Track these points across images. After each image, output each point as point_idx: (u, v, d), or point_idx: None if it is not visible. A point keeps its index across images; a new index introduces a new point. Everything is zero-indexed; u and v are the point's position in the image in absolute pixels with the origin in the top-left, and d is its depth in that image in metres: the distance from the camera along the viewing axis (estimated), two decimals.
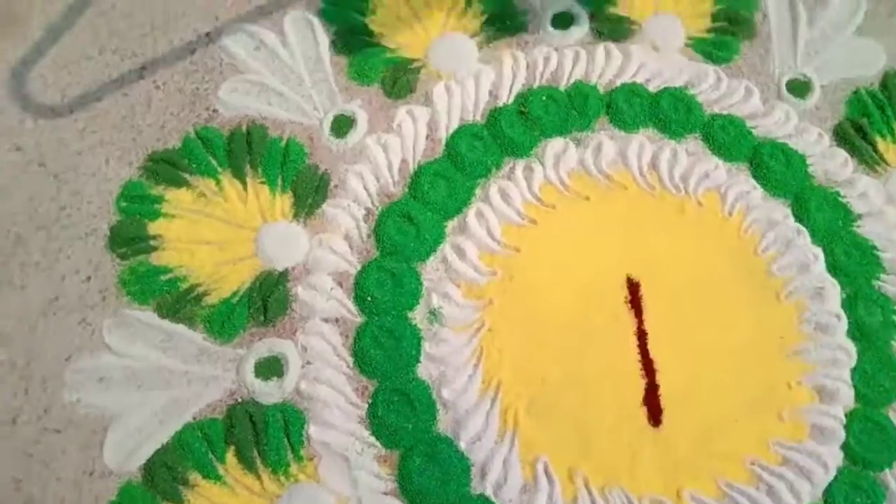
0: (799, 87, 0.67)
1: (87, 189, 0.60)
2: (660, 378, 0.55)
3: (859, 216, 0.61)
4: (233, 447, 0.52)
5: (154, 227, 0.59)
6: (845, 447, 0.53)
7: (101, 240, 0.58)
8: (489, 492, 0.51)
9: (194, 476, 0.51)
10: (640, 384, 0.55)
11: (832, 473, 0.52)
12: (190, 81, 0.64)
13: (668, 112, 0.64)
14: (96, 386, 0.54)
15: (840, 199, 0.61)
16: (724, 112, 0.65)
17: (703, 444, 0.53)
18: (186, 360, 0.54)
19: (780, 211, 0.61)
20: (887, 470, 0.53)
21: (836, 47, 0.68)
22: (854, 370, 0.55)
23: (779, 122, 0.64)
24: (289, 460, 0.52)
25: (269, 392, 0.54)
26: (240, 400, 0.53)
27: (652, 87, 0.65)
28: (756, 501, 0.52)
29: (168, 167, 0.60)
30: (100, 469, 0.52)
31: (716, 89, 0.66)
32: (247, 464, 0.52)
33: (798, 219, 0.60)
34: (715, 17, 0.70)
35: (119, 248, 0.58)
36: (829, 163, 0.63)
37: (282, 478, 0.51)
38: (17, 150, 0.61)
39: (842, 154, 0.64)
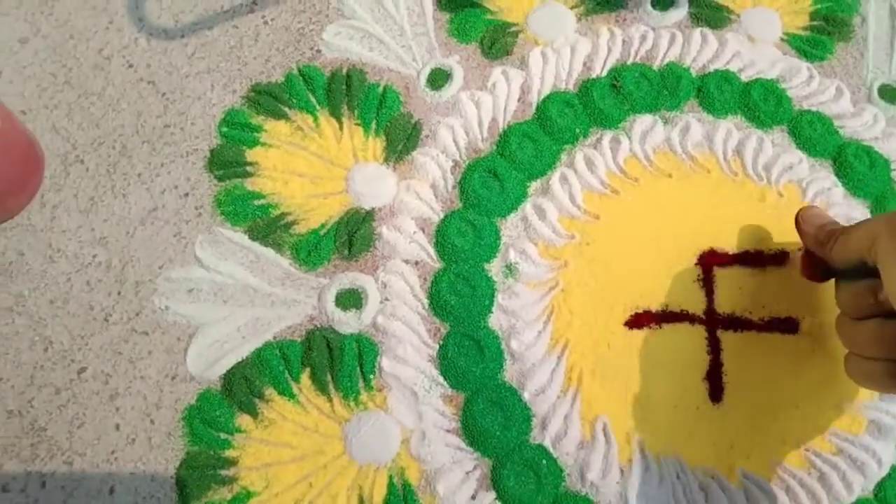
0: (890, 93, 0.67)
1: (192, 111, 0.62)
2: (724, 357, 0.56)
3: None
4: (308, 369, 0.54)
5: (252, 154, 0.61)
6: None
7: (201, 160, 0.61)
8: (548, 443, 0.53)
9: (270, 391, 0.54)
10: (705, 360, 0.56)
11: (885, 470, 0.53)
12: (297, 21, 0.67)
13: (758, 102, 0.64)
14: (185, 296, 0.56)
15: None
16: (814, 108, 0.65)
17: (761, 425, 0.54)
18: (272, 282, 0.57)
19: (860, 211, 0.61)
20: None
21: None
22: None
23: (866, 124, 0.65)
24: (360, 388, 0.54)
25: (347, 322, 0.56)
26: (319, 326, 0.56)
27: (744, 77, 0.66)
28: (807, 486, 0.53)
29: (269, 99, 0.63)
30: (182, 374, 0.54)
31: (807, 85, 0.66)
32: (320, 386, 0.54)
33: None
34: (813, 16, 0.70)
35: (217, 170, 0.60)
36: None
37: (352, 403, 0.54)
38: (129, 67, 0.64)
39: None
